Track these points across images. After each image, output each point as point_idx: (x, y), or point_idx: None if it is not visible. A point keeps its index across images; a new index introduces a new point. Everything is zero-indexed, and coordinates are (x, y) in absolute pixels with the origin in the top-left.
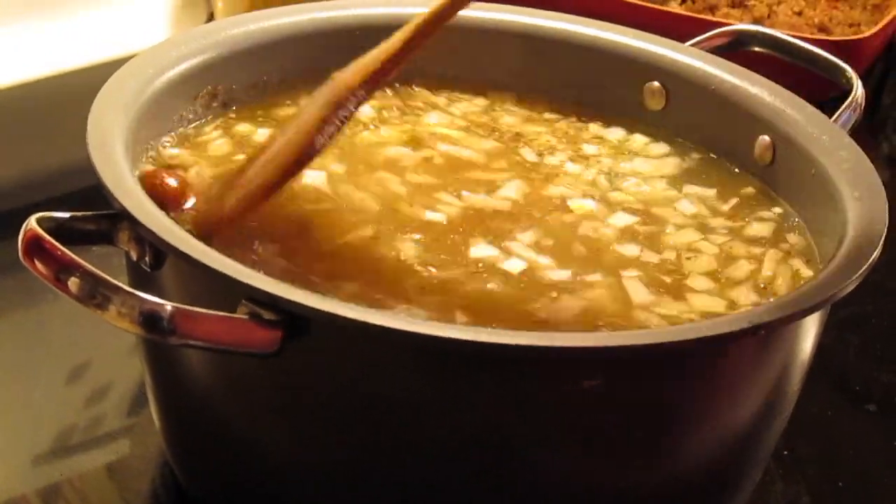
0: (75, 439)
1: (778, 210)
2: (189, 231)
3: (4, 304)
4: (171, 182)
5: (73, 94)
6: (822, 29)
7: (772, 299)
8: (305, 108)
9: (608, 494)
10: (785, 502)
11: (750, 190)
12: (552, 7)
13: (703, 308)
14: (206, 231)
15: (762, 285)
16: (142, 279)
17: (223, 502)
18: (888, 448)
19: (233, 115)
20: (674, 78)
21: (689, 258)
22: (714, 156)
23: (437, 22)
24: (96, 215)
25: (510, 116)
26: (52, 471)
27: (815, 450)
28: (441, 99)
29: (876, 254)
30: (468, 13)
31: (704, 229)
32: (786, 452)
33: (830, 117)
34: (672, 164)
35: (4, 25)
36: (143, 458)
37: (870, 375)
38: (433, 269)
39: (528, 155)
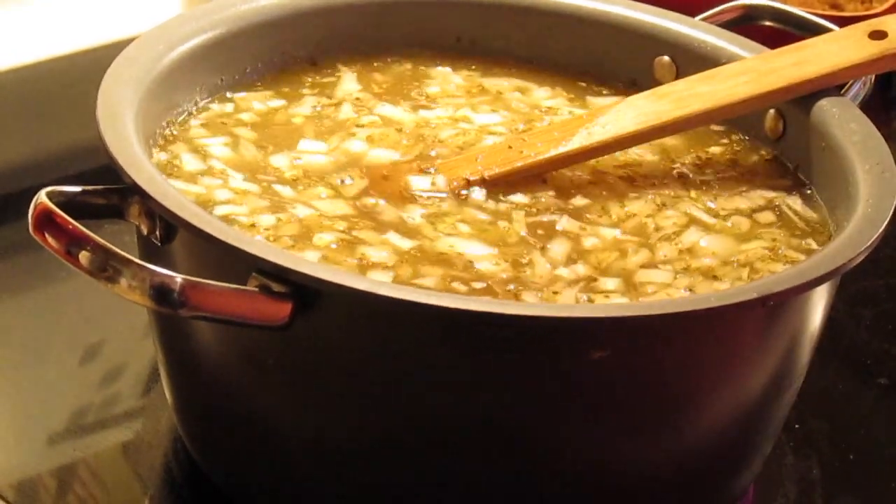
0: (90, 419)
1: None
2: None
3: (19, 284)
4: None
5: (83, 73)
6: (834, 6)
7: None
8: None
9: (619, 468)
10: (796, 476)
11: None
12: None
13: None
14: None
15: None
16: (152, 253)
17: (235, 476)
18: None
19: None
20: (684, 52)
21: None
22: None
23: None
24: (106, 189)
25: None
26: (66, 450)
27: (827, 424)
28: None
29: (885, 225)
30: None
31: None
32: (797, 426)
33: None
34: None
35: (13, 6)
36: (157, 434)
37: (881, 349)
38: None
39: None
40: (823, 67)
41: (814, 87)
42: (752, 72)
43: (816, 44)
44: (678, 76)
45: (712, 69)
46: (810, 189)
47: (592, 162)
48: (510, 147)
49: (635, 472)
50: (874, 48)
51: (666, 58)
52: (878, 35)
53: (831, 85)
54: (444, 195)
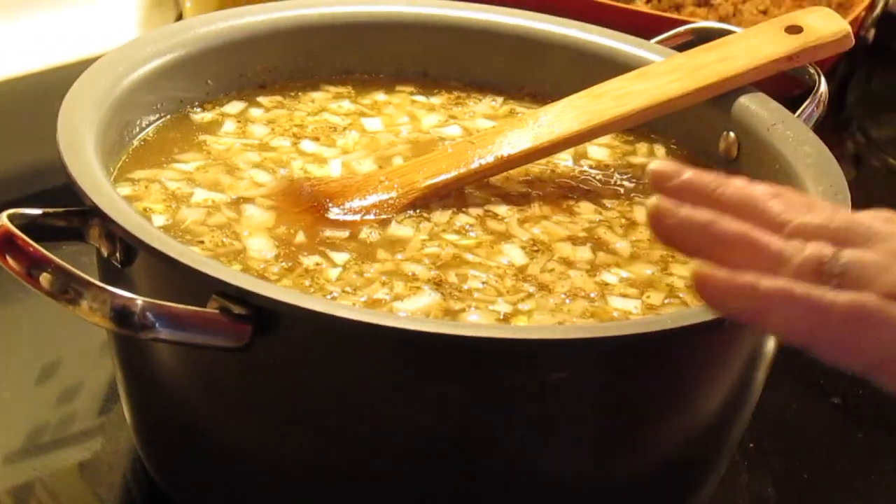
0: (47, 438)
1: None
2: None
3: None
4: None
5: (42, 94)
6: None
7: None
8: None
9: (575, 486)
10: (750, 494)
11: None
12: (516, 4)
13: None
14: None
15: None
16: (113, 275)
17: (194, 494)
18: (852, 440)
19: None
20: None
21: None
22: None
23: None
24: (67, 212)
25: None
26: (23, 469)
27: (781, 442)
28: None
29: None
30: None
31: None
32: (751, 445)
33: (794, 113)
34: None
35: None
36: (115, 454)
37: (834, 369)
38: None
39: None
40: (748, 62)
41: (741, 81)
42: (681, 69)
43: (738, 40)
44: None
45: (642, 68)
46: None
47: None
48: (456, 152)
49: (590, 490)
50: (792, 42)
51: None
52: (794, 30)
53: (757, 79)
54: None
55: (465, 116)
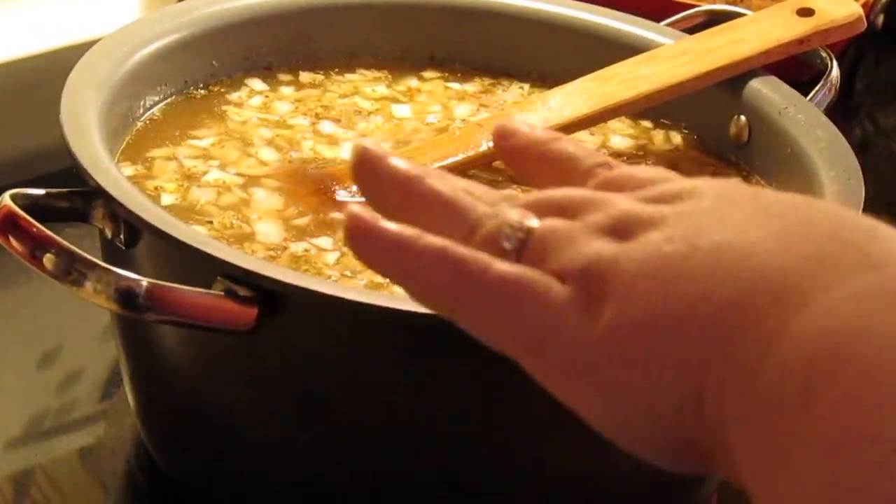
0: (48, 424)
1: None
2: None
3: None
4: None
5: (44, 76)
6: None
7: None
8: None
9: (576, 476)
10: None
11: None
12: None
13: None
14: None
15: None
16: (116, 257)
17: (199, 480)
18: None
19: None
20: None
21: None
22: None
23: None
24: (71, 192)
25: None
26: (24, 456)
27: None
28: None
29: None
30: None
31: None
32: None
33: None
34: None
35: None
36: (118, 439)
37: None
38: None
39: None
40: (759, 45)
41: (751, 64)
42: (690, 52)
43: (748, 23)
44: None
45: (651, 51)
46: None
47: None
48: (464, 135)
49: (588, 484)
50: (804, 25)
51: None
52: (805, 12)
53: (768, 62)
54: None
55: (495, 106)
